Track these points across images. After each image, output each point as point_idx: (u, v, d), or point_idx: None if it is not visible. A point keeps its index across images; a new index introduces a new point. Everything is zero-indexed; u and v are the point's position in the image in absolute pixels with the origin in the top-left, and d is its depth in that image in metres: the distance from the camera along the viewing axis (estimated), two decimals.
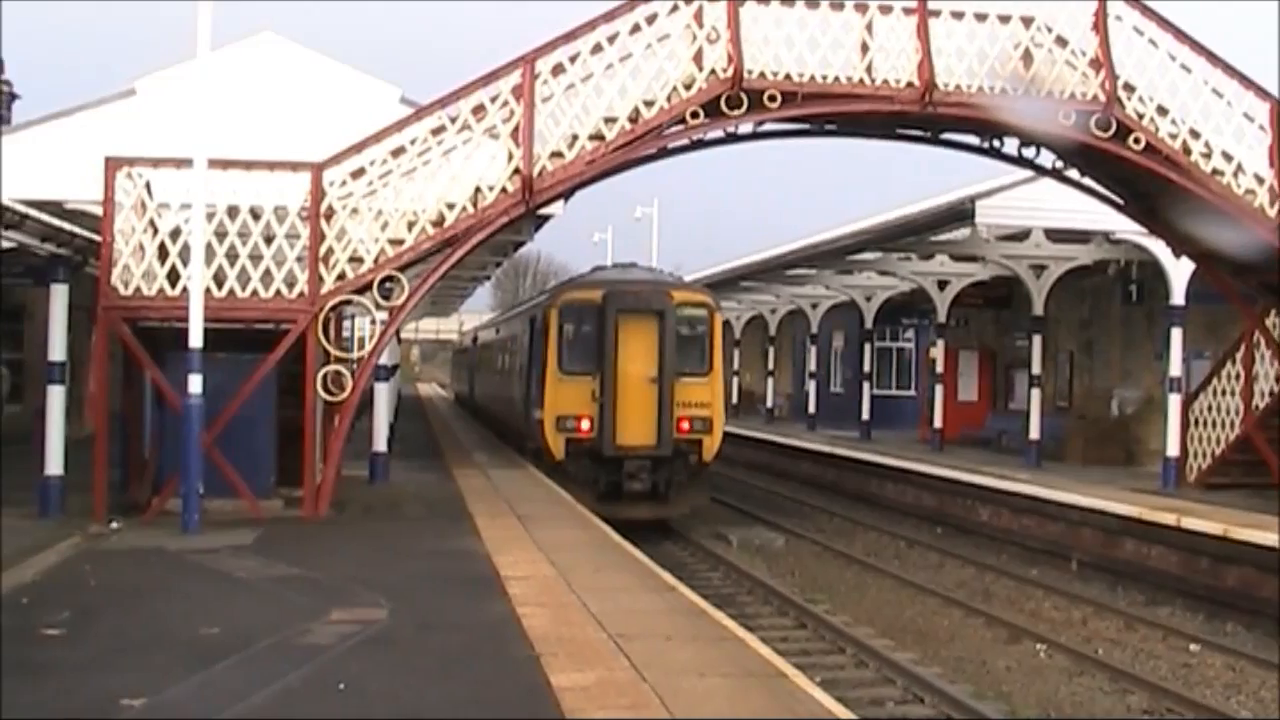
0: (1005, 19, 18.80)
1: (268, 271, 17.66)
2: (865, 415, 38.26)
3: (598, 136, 18.41)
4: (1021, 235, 28.69)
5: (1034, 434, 28.72)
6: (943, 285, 33.97)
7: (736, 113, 18.12)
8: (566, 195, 19.35)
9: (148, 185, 17.47)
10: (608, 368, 24.11)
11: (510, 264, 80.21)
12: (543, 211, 19.82)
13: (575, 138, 18.35)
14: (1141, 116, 19.21)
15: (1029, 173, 22.47)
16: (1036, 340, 29.24)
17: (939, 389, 33.60)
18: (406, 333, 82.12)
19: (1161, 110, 19.21)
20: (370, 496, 20.30)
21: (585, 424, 24.36)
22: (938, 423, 33.43)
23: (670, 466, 24.39)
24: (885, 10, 18.41)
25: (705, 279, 43.97)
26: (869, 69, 18.39)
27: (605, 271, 27.64)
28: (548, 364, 24.84)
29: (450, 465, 26.57)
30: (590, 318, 24.68)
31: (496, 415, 36.46)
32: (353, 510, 18.42)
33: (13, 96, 30.98)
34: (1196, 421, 24.43)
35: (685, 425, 24.56)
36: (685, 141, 18.60)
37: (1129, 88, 19.16)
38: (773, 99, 18.05)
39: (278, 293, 17.66)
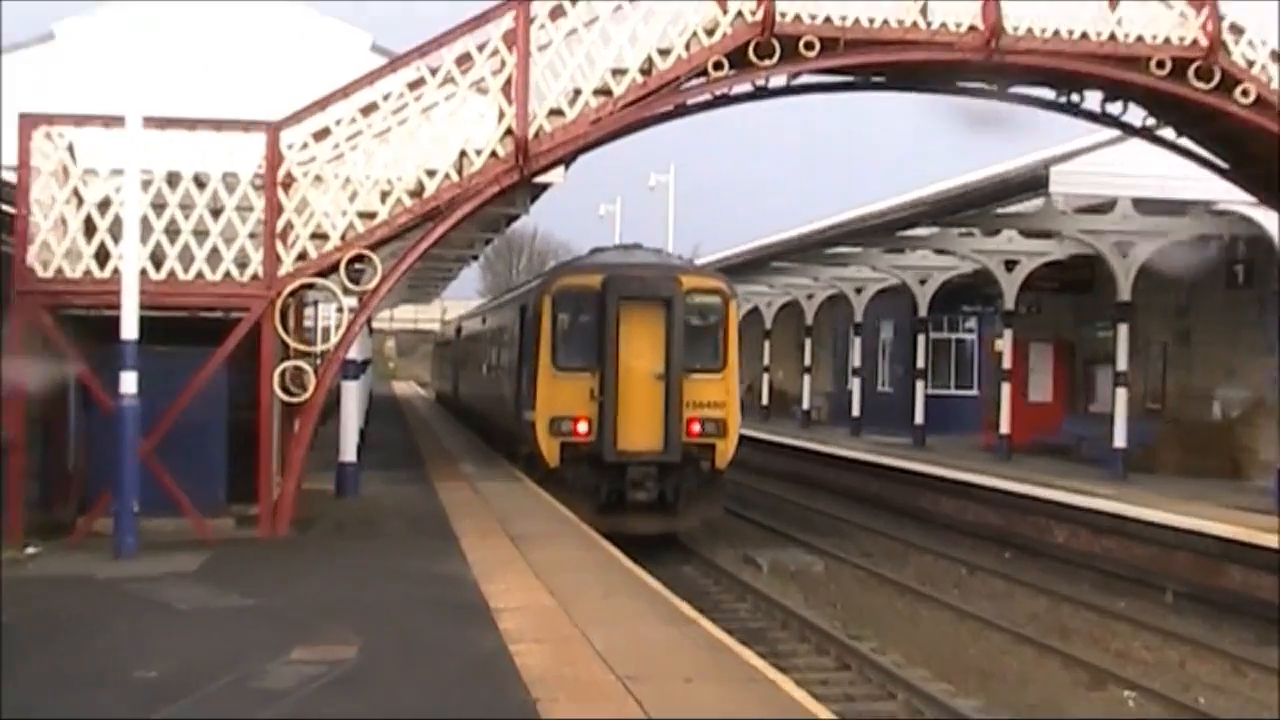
0: None
1: (215, 250, 17.73)
2: (918, 418, 38.70)
3: (604, 91, 18.50)
4: (1105, 206, 28.61)
5: (1119, 441, 28.72)
6: (1010, 266, 34.24)
7: (767, 63, 18.12)
8: (568, 161, 19.46)
9: (70, 147, 17.47)
10: (608, 363, 24.90)
11: (502, 242, 79.75)
12: (540, 180, 19.91)
13: (578, 93, 18.39)
14: (1251, 64, 19.15)
15: (1114, 133, 22.34)
16: (1122, 330, 29.19)
17: (1006, 388, 34.04)
18: (380, 322, 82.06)
19: (1276, 56, 19.10)
20: (338, 513, 20.46)
21: (583, 426, 25.21)
22: (1004, 427, 33.80)
23: (679, 474, 25.26)
24: None
25: (730, 259, 43.98)
26: (924, 11, 18.41)
27: (606, 253, 28.21)
28: (540, 359, 25.58)
29: (431, 476, 26.85)
30: (588, 306, 25.43)
31: (484, 417, 37.18)
32: (317, 530, 18.53)
33: None
34: None
35: (696, 428, 25.45)
36: (706, 97, 18.63)
37: (1236, 30, 19.09)
38: (810, 47, 18.03)
39: (227, 275, 17.76)
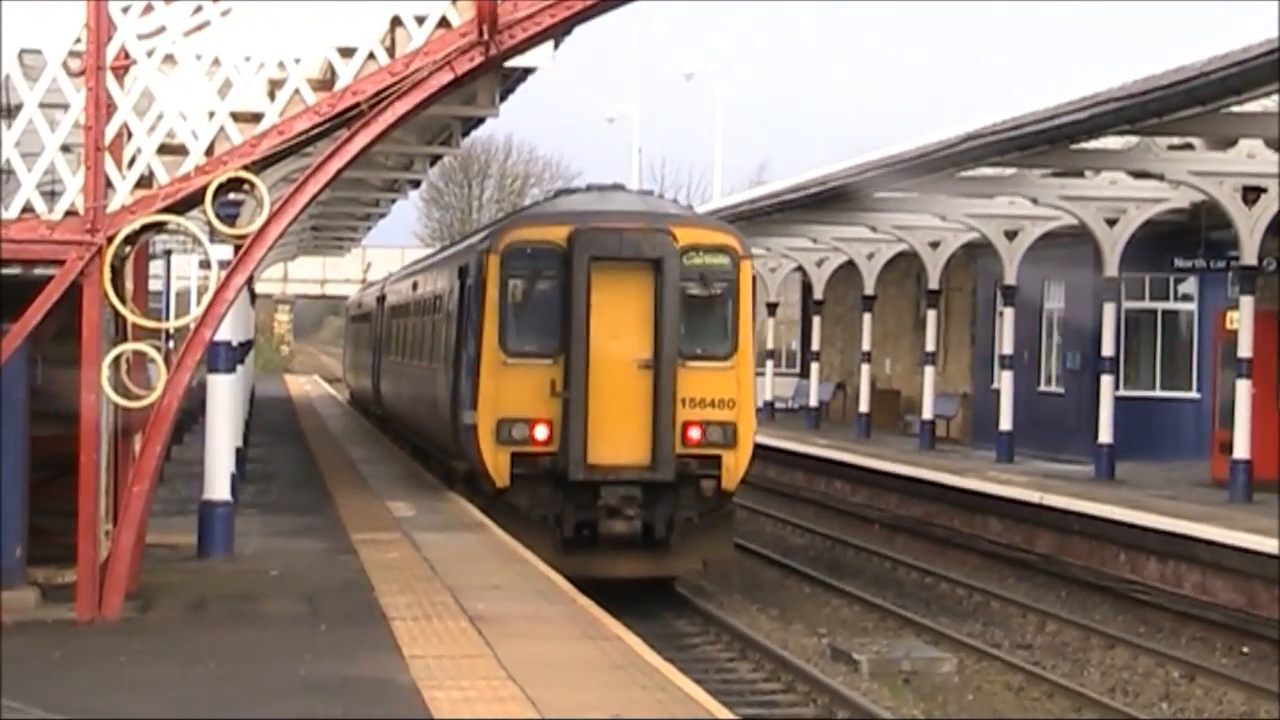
0: None
1: (7, 171, 15.73)
2: (1105, 435, 33.68)
3: None
4: None
5: None
6: (1251, 196, 29.61)
7: None
8: (559, 34, 16.89)
9: None
10: (576, 346, 23.95)
11: (457, 161, 69.57)
12: (515, 64, 17.95)
13: None
14: None
15: None
16: None
17: (1244, 386, 29.47)
18: (268, 284, 76.05)
19: None
20: (199, 583, 18.23)
21: (541, 432, 23.97)
22: (1241, 449, 29.20)
23: (672, 497, 24.13)
24: None
25: (809, 187, 39.23)
26: None
27: (575, 197, 27.07)
28: (484, 341, 24.59)
29: (345, 522, 24.13)
30: (549, 269, 24.45)
31: (419, 429, 34.62)
32: (166, 609, 16.46)
33: None
34: None
35: (695, 434, 24.07)
36: None
37: None
38: None
39: (27, 209, 15.31)
